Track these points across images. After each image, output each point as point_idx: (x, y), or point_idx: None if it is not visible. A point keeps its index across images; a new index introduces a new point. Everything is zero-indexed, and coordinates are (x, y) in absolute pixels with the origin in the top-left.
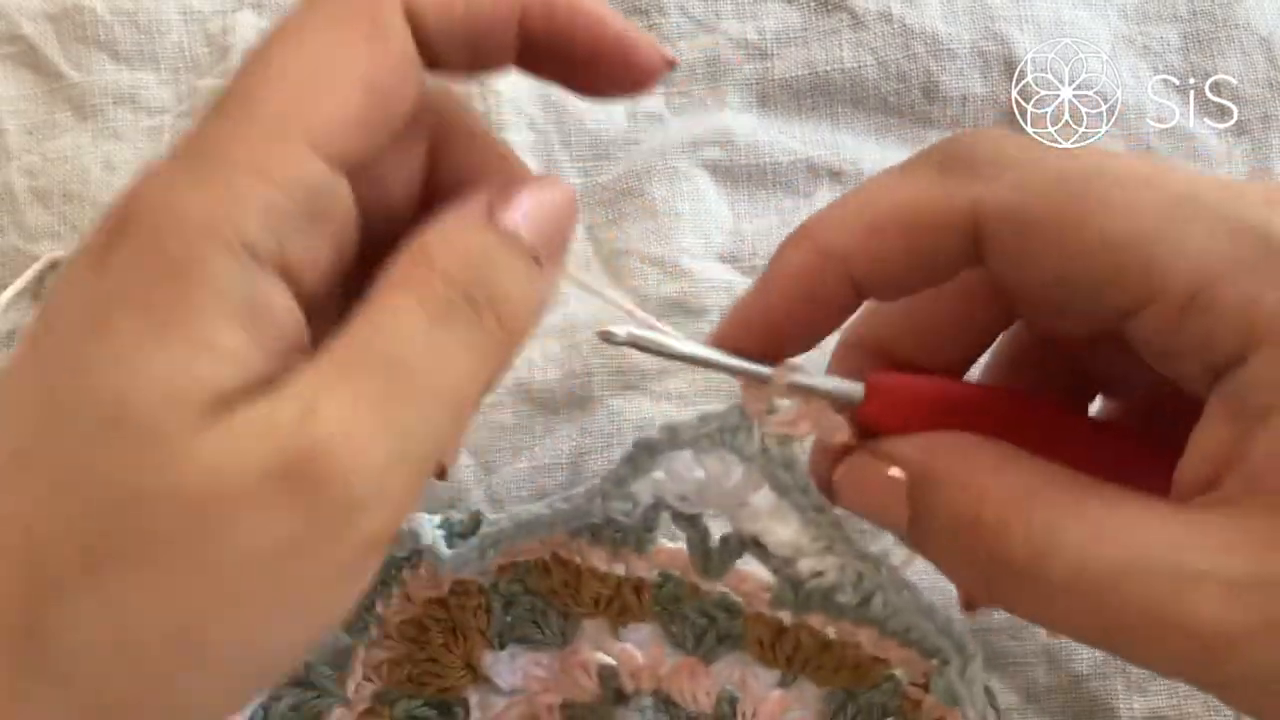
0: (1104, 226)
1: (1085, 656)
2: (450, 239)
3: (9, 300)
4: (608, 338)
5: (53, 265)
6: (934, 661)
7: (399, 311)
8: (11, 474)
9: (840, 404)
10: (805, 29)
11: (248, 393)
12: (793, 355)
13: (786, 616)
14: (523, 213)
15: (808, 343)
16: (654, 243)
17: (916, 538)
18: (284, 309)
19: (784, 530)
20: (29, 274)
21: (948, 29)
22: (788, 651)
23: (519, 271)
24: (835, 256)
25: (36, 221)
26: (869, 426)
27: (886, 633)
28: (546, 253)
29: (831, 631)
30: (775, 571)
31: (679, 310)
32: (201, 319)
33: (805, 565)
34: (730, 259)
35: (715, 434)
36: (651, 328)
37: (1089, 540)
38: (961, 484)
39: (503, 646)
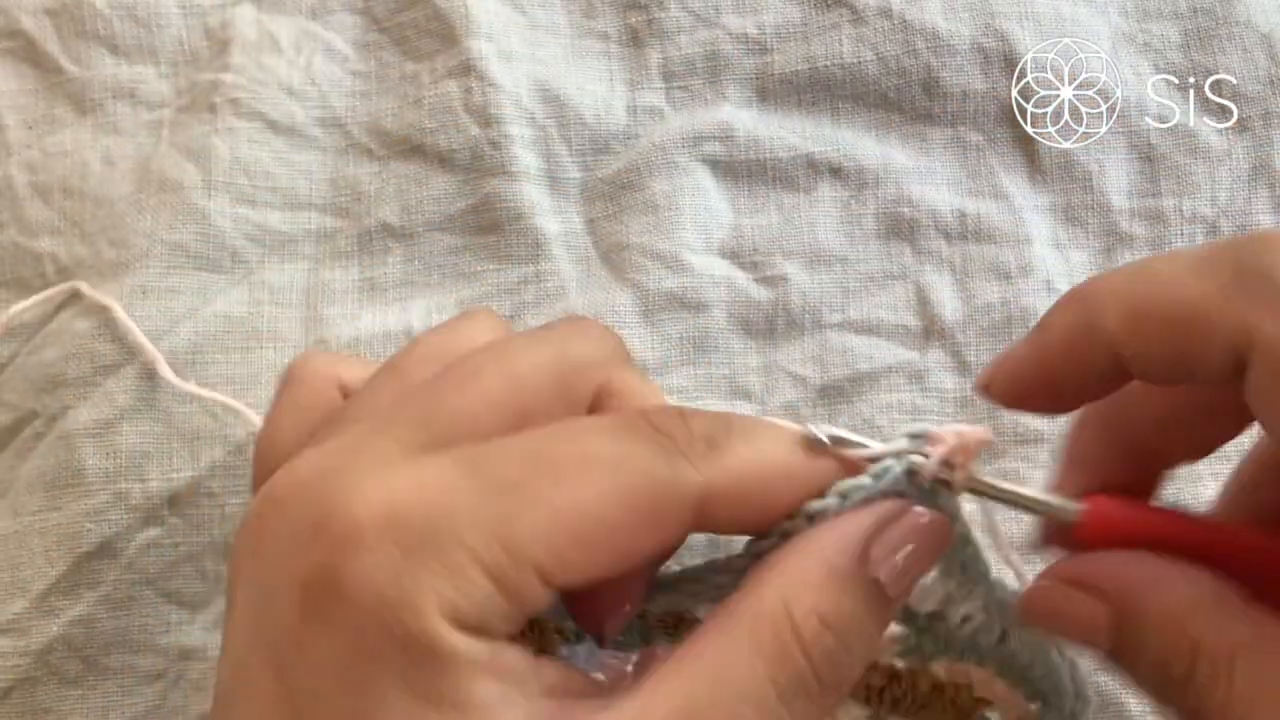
0: None
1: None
2: (811, 587)
3: (17, 313)
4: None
5: (74, 295)
6: (1033, 707)
7: (740, 668)
8: None
9: (1050, 521)
10: (805, 24)
11: None
12: (1057, 414)
13: (905, 662)
14: (899, 555)
15: (1075, 404)
16: (655, 237)
17: (1119, 665)
18: (517, 658)
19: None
20: (50, 295)
21: (948, 25)
22: (896, 695)
23: (872, 638)
24: (1100, 329)
25: (36, 216)
26: (1079, 546)
27: (1003, 671)
28: (896, 594)
29: (943, 673)
30: (910, 623)
31: (679, 305)
32: (459, 683)
33: (955, 612)
34: (730, 255)
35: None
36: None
37: None
38: (1173, 632)
39: (579, 640)
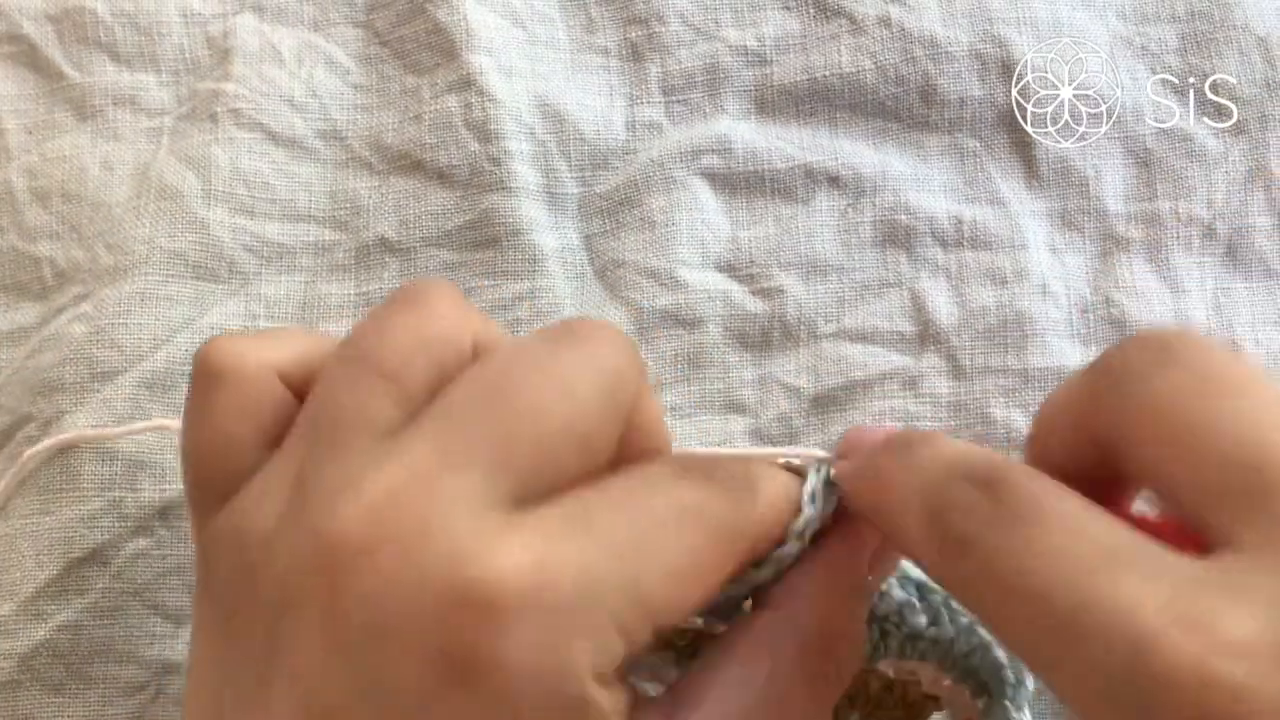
0: None
1: None
2: (838, 609)
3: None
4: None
5: (160, 430)
6: (979, 703)
7: (782, 678)
8: None
9: None
10: (804, 35)
11: None
12: None
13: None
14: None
15: None
16: (650, 254)
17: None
18: (621, 695)
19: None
20: (138, 429)
21: (946, 32)
22: (851, 694)
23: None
24: (1052, 462)
25: (36, 221)
26: None
27: (946, 666)
28: None
29: (891, 671)
30: (875, 626)
31: (674, 323)
32: None
33: (915, 619)
34: (727, 268)
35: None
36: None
37: None
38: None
39: None
